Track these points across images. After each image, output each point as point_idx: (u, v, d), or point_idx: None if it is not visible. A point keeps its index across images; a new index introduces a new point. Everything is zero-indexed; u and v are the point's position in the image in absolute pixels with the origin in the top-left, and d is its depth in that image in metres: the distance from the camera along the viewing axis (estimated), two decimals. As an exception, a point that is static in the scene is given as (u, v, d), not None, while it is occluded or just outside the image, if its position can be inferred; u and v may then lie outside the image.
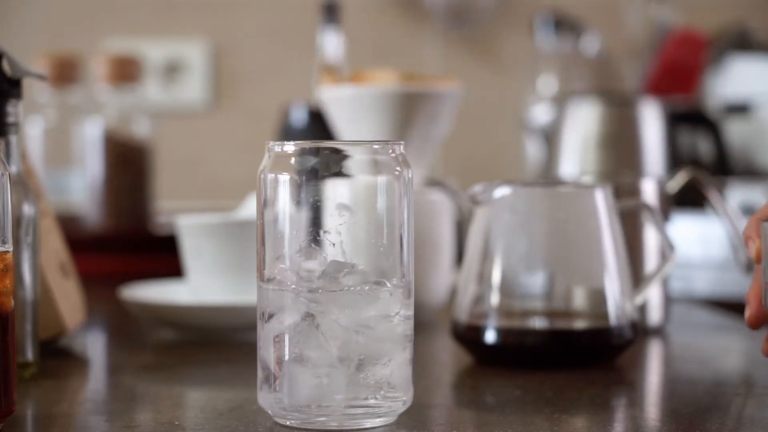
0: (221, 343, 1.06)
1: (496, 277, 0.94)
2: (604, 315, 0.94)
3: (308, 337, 0.72)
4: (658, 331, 1.12)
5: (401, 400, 0.74)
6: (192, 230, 1.14)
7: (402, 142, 0.74)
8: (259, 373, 0.74)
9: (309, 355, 0.72)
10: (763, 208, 0.90)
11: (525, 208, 0.94)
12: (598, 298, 0.94)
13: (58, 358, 0.98)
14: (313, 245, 0.72)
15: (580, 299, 0.95)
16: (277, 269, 0.73)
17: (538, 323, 0.94)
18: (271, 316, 0.73)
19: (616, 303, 0.94)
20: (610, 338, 0.94)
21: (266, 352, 0.73)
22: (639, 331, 0.98)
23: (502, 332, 0.93)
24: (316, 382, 0.72)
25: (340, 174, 0.72)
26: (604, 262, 0.94)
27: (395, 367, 0.73)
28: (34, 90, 1.73)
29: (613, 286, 0.94)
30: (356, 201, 0.72)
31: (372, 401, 0.72)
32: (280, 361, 0.72)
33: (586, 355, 0.94)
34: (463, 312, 0.95)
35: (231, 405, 0.81)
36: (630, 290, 0.95)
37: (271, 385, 0.73)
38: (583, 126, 1.20)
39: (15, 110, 0.90)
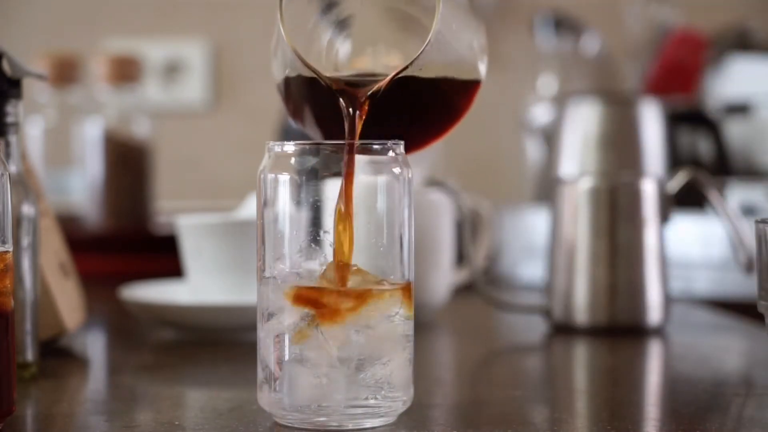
0: (221, 343, 1.06)
1: None
2: None
3: (308, 337, 0.72)
4: (658, 331, 1.12)
5: (401, 400, 0.74)
6: (192, 230, 1.14)
7: (402, 142, 0.74)
8: (259, 373, 0.74)
9: (309, 355, 0.72)
10: None
11: None
12: None
13: (58, 358, 0.98)
14: (313, 245, 0.72)
15: None
16: (277, 269, 0.73)
17: None
18: (271, 316, 0.73)
19: None
20: None
21: (266, 352, 0.73)
22: None
23: None
24: (316, 382, 0.72)
25: (340, 174, 0.72)
26: None
27: (395, 367, 0.73)
28: (34, 90, 1.72)
29: None
30: (356, 201, 0.72)
31: (372, 401, 0.72)
32: (280, 361, 0.72)
33: None
34: None
35: (231, 405, 0.81)
36: None
37: (271, 385, 0.73)
38: (583, 126, 1.20)
39: (15, 110, 0.90)
